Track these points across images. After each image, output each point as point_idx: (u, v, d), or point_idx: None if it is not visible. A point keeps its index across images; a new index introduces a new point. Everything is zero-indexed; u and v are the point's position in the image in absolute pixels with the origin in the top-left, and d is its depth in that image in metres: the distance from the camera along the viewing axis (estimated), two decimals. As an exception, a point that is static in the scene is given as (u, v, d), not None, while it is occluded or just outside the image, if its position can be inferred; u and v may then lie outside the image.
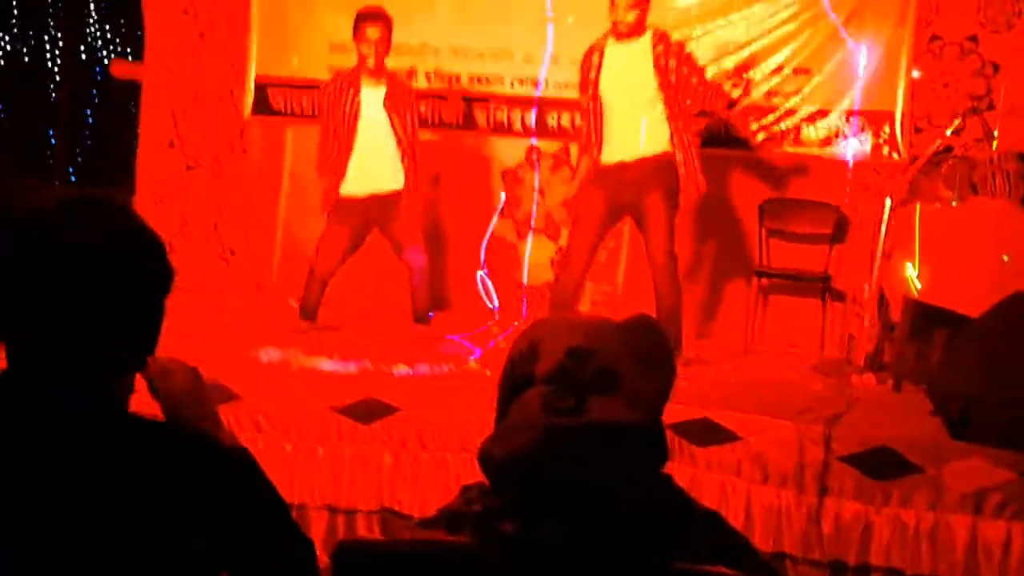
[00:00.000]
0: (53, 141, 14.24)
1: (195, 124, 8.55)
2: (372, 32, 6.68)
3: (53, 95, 14.19)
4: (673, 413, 2.15)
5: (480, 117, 8.09)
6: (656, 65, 6.40)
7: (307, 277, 6.97)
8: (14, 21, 13.70)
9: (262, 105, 8.37)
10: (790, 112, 7.63)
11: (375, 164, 6.80)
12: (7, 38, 13.74)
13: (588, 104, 6.57)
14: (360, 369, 5.97)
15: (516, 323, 7.22)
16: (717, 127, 7.54)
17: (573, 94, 7.14)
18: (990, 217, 6.18)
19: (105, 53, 13.84)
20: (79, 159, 14.37)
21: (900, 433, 5.24)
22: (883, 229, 6.48)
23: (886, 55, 7.47)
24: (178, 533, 1.78)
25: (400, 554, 1.92)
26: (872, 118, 7.51)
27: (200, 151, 8.56)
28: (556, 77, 7.83)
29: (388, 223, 6.90)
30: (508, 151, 8.04)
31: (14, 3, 13.44)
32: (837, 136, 7.57)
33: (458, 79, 8.10)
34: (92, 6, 13.91)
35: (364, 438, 5.37)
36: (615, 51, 6.50)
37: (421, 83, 7.98)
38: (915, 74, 7.41)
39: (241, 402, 5.40)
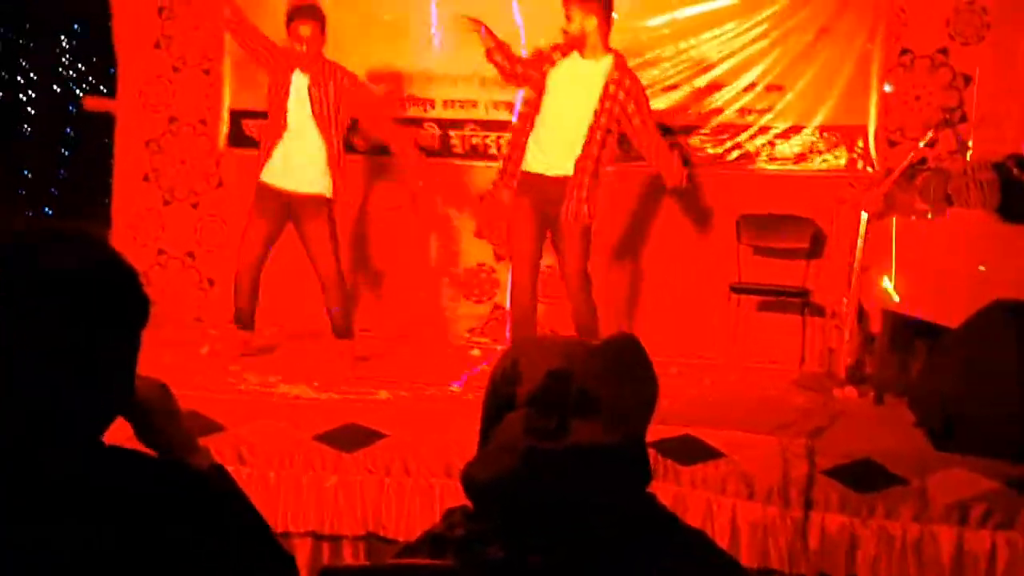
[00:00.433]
0: (27, 174, 14.21)
1: (170, 156, 8.55)
2: (304, 30, 6.62)
3: (27, 130, 14.17)
4: (656, 431, 2.16)
5: (456, 141, 8.10)
6: (605, 89, 6.38)
7: (235, 276, 6.90)
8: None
9: (237, 136, 8.37)
10: (764, 129, 7.67)
11: (300, 159, 6.71)
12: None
13: (527, 107, 6.59)
14: (341, 395, 5.95)
15: (498, 346, 7.22)
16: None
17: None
18: (966, 228, 6.21)
19: (78, 88, 13.84)
20: (53, 192, 14.35)
21: (883, 445, 5.24)
22: (860, 243, 6.51)
23: (857, 69, 7.52)
24: (158, 562, 1.76)
25: (383, 580, 1.91)
26: (845, 132, 7.55)
27: (176, 183, 8.56)
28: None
29: (302, 223, 6.78)
30: (484, 175, 8.05)
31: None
32: (811, 152, 7.61)
33: (432, 104, 8.12)
34: (64, 42, 13.91)
35: (348, 465, 5.35)
36: (574, 62, 6.49)
37: (396, 110, 8.02)
38: (887, 88, 7.46)
39: (224, 433, 5.37)
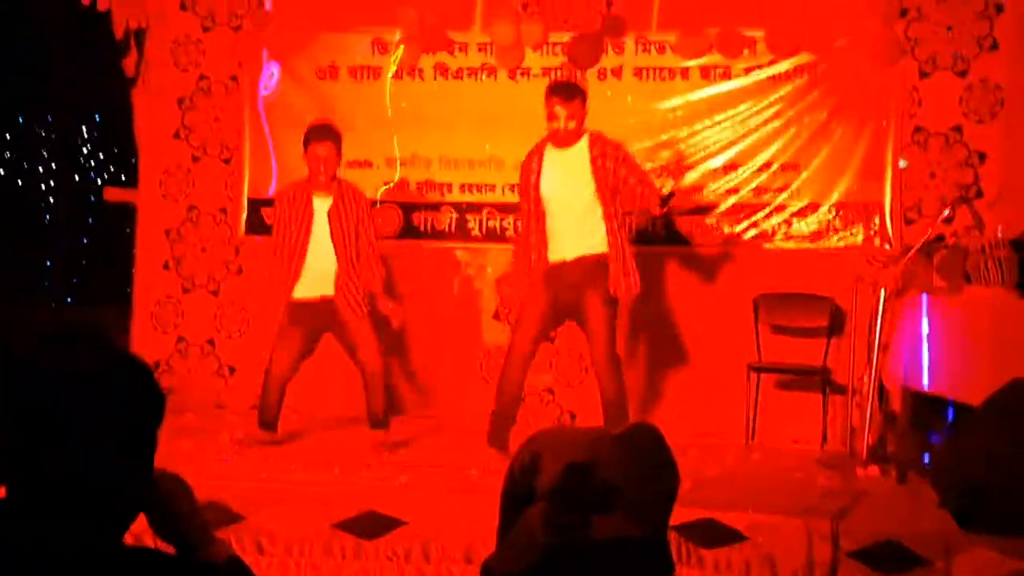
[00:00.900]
0: (48, 264, 14.29)
1: (190, 244, 8.62)
2: (320, 150, 6.78)
3: (48, 219, 14.28)
4: (678, 514, 2.14)
5: (473, 224, 8.14)
6: (593, 168, 6.45)
7: (263, 380, 6.99)
8: (7, 150, 13.82)
9: (256, 223, 8.43)
10: (780, 207, 7.69)
11: (325, 270, 6.83)
12: (0, 167, 13.86)
13: (529, 207, 6.62)
14: (361, 481, 5.93)
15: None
16: (647, 224, 7.61)
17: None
18: (985, 305, 6.19)
19: (99, 177, 13.97)
20: (75, 281, 14.41)
21: (907, 526, 5.20)
22: (879, 320, 6.49)
23: (872, 147, 7.56)
24: None
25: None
26: (862, 210, 7.57)
27: (196, 271, 8.61)
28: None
29: (339, 326, 6.90)
30: (501, 257, 8.07)
31: (7, 134, 13.58)
32: (828, 229, 7.62)
33: (449, 188, 8.18)
34: (85, 132, 14.06)
35: (368, 553, 5.32)
36: (554, 155, 6.56)
37: (413, 193, 8.11)
38: (902, 164, 7.48)
39: (243, 523, 5.35)
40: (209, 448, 6.55)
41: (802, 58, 7.68)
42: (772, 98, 7.74)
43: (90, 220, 14.07)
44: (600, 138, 6.56)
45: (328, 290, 6.83)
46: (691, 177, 7.83)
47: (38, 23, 11.73)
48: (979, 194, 7.29)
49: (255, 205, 8.46)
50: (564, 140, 6.51)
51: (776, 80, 7.73)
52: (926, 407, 6.22)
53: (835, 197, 7.63)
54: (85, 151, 14.27)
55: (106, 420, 1.85)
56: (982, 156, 7.40)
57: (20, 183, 14.14)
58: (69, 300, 14.28)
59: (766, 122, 7.74)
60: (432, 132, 8.21)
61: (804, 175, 7.68)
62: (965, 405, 5.71)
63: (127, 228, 9.20)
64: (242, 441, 6.87)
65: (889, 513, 5.49)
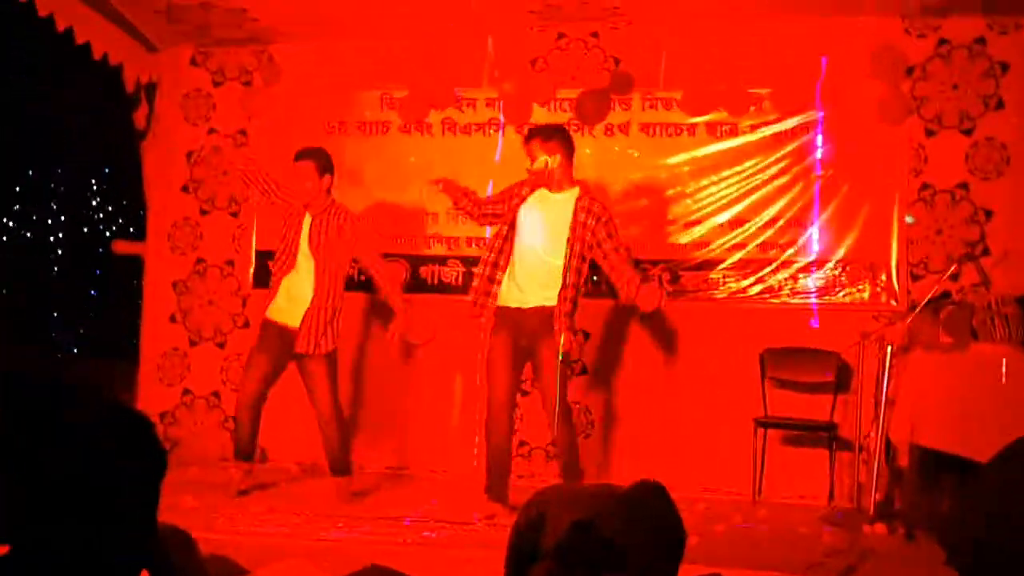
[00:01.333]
0: (56, 315, 14.33)
1: (197, 297, 8.64)
2: (299, 167, 6.92)
3: (56, 271, 14.34)
4: (684, 571, 2.12)
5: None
6: (574, 220, 6.46)
7: (236, 410, 7.04)
8: (17, 202, 13.90)
9: (263, 276, 8.44)
10: (787, 263, 7.70)
11: (298, 296, 6.88)
12: (9, 219, 13.92)
13: (502, 229, 6.64)
14: (364, 535, 5.91)
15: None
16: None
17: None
18: (992, 362, 6.18)
19: (107, 229, 14.02)
20: (81, 332, 14.44)
21: (915, 584, 5.16)
22: (885, 376, 6.48)
23: (878, 204, 7.58)
24: None
25: None
26: (868, 266, 7.58)
27: (202, 323, 8.63)
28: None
29: (301, 360, 6.92)
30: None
31: (17, 186, 13.66)
32: (834, 285, 7.63)
33: (456, 242, 8.21)
34: (94, 185, 14.13)
35: (372, 608, 5.28)
36: (543, 196, 6.60)
37: (421, 248, 8.15)
38: (908, 220, 7.50)
39: (247, 576, 5.32)
40: (213, 502, 6.52)
41: (808, 115, 7.72)
42: (778, 154, 7.77)
43: (98, 272, 14.12)
44: (589, 193, 6.58)
45: (295, 321, 6.85)
46: (697, 232, 7.86)
47: (49, 77, 11.82)
48: (985, 251, 7.30)
49: (262, 258, 8.49)
50: (549, 184, 6.53)
51: (782, 137, 7.77)
52: (934, 464, 6.20)
53: (841, 253, 7.65)
54: (94, 203, 14.34)
55: (109, 476, 1.85)
56: (988, 213, 7.42)
57: (29, 235, 14.20)
58: (76, 351, 14.31)
59: (773, 178, 7.77)
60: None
61: (811, 231, 7.70)
62: (972, 462, 5.69)
63: (135, 280, 9.24)
64: (237, 492, 6.90)
65: (896, 571, 5.46)
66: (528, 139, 6.63)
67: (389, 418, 8.23)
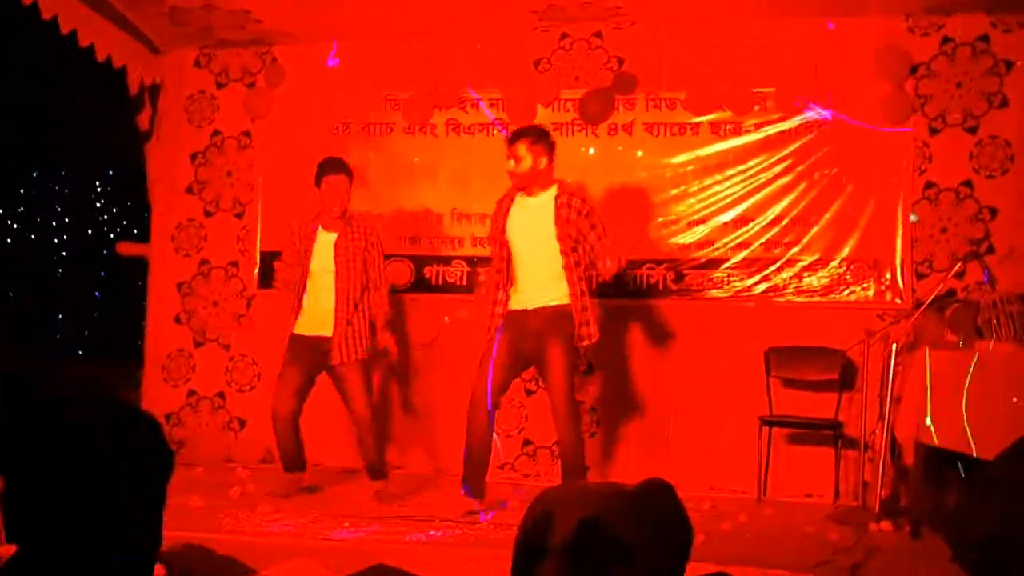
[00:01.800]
0: (60, 317, 14.34)
1: (202, 298, 8.66)
2: (333, 182, 6.92)
3: (60, 273, 14.35)
4: (691, 569, 2.12)
5: (484, 278, 8.16)
6: (556, 218, 6.45)
7: (272, 424, 7.01)
8: (22, 205, 13.92)
9: (268, 277, 8.47)
10: (791, 262, 7.70)
11: (326, 307, 6.91)
12: (14, 221, 13.94)
13: (498, 250, 6.65)
14: (371, 534, 5.91)
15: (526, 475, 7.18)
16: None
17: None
18: (997, 360, 6.17)
19: (111, 231, 14.03)
20: (86, 334, 14.45)
21: (921, 582, 5.16)
22: (890, 374, 6.47)
23: (883, 202, 7.57)
24: None
25: None
26: (873, 264, 7.57)
27: (207, 324, 8.65)
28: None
29: (333, 369, 6.96)
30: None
31: (21, 188, 13.68)
32: (839, 284, 7.63)
33: (461, 242, 8.21)
34: (98, 187, 14.14)
35: (378, 608, 5.28)
36: (523, 203, 6.59)
37: (426, 248, 8.16)
38: (913, 218, 7.50)
39: (254, 576, 5.33)
40: (219, 503, 6.52)
41: (812, 114, 7.72)
42: (782, 153, 7.77)
43: (102, 273, 14.13)
44: (567, 189, 6.58)
45: (326, 330, 6.90)
46: (702, 231, 7.87)
47: (52, 79, 11.84)
48: (990, 249, 7.30)
49: (267, 259, 8.50)
50: (528, 187, 6.54)
51: (786, 136, 7.77)
52: (939, 462, 6.20)
53: (846, 251, 7.64)
54: (98, 205, 14.36)
55: (109, 476, 1.85)
56: (993, 211, 7.41)
57: (33, 237, 14.21)
58: (80, 353, 14.32)
59: (777, 176, 7.77)
60: (444, 186, 8.27)
61: (815, 229, 7.70)
62: (978, 459, 5.69)
63: (139, 282, 9.25)
64: (275, 491, 6.90)
65: (902, 569, 5.45)
66: (513, 140, 6.58)
67: (418, 422, 8.25)
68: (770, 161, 7.79)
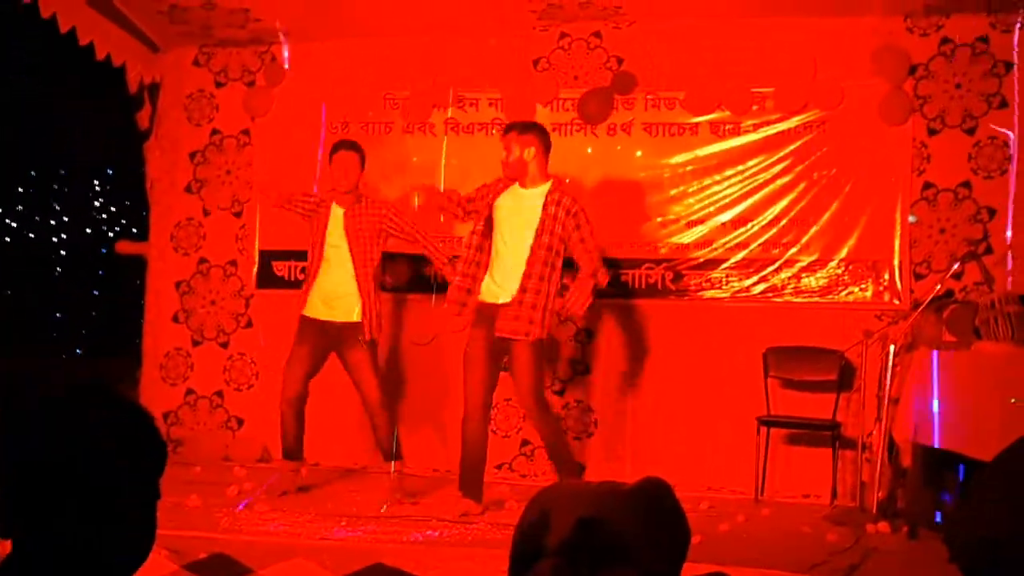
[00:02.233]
0: (59, 315, 14.33)
1: (200, 297, 8.66)
2: (342, 157, 7.04)
3: (59, 271, 14.34)
4: (688, 570, 2.11)
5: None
6: (545, 210, 6.46)
7: (279, 408, 7.03)
8: (20, 203, 13.91)
9: (267, 276, 8.48)
10: (790, 262, 7.70)
11: (334, 291, 6.98)
12: (13, 219, 13.93)
13: (477, 236, 6.66)
14: (368, 534, 5.91)
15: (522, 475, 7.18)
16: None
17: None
18: (995, 361, 6.18)
19: (110, 230, 14.02)
20: (84, 332, 14.45)
21: (919, 583, 5.16)
22: (888, 375, 6.48)
23: (881, 203, 7.57)
24: None
25: None
26: (871, 265, 7.57)
27: (205, 323, 8.64)
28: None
29: (344, 351, 7.01)
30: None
31: (20, 187, 13.67)
32: (837, 284, 7.63)
33: (460, 241, 8.20)
34: (97, 186, 14.14)
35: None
36: (515, 193, 6.61)
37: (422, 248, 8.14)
38: (911, 219, 7.50)
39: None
40: (217, 502, 6.52)
41: (811, 115, 7.72)
42: (781, 154, 7.77)
43: (101, 272, 14.12)
44: (560, 187, 6.60)
45: (332, 315, 6.96)
46: (700, 231, 7.87)
47: (52, 78, 11.83)
48: (988, 250, 7.30)
49: (266, 258, 8.51)
50: (522, 179, 6.56)
51: (785, 136, 7.77)
52: (937, 463, 6.20)
53: (844, 252, 7.64)
54: (97, 204, 14.35)
55: (110, 476, 1.86)
56: (991, 212, 7.41)
57: (32, 235, 14.20)
58: (79, 351, 14.31)
59: (775, 177, 7.77)
60: (443, 186, 8.26)
61: (813, 230, 7.70)
62: (976, 460, 5.69)
63: (137, 280, 9.25)
64: (281, 492, 6.91)
65: (899, 570, 5.46)
66: (505, 132, 6.69)
67: (427, 420, 8.25)
68: (769, 161, 7.79)
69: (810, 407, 7.49)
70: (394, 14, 8.00)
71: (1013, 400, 5.89)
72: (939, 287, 6.85)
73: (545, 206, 6.46)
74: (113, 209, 14.39)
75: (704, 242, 7.86)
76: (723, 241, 7.84)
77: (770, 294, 7.76)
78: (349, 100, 8.46)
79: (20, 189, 13.99)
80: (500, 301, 6.50)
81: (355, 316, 6.95)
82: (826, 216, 7.70)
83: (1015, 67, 7.42)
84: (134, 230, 12.37)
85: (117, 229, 14.08)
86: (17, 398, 1.90)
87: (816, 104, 7.70)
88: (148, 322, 8.85)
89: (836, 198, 7.67)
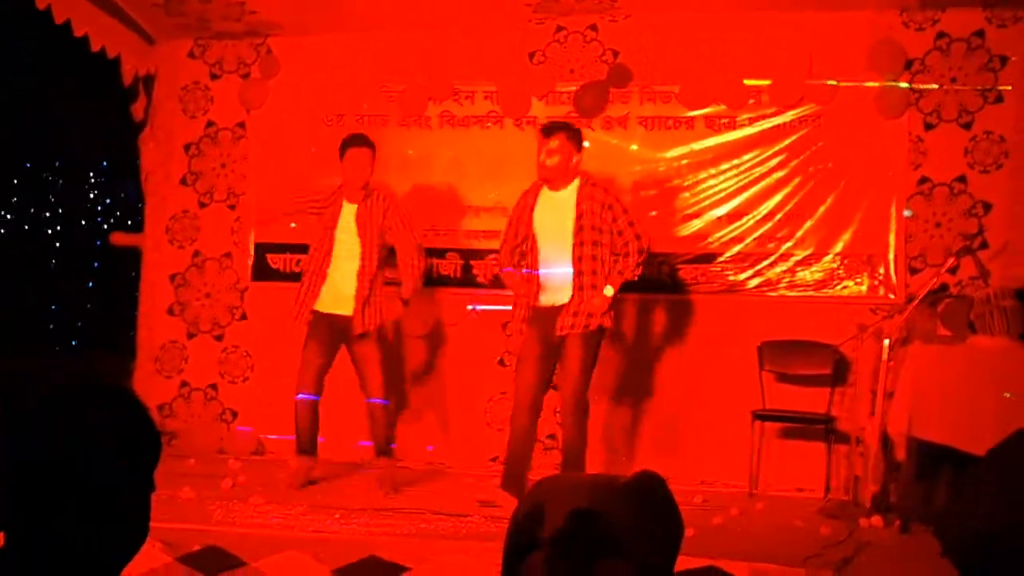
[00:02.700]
0: (54, 308, 14.32)
1: (195, 290, 8.65)
2: (356, 153, 6.98)
3: (54, 264, 14.33)
4: (681, 563, 2.12)
5: (478, 272, 8.17)
6: (578, 210, 6.47)
7: (295, 405, 7.02)
8: (14, 195, 13.89)
9: (262, 269, 8.48)
10: (785, 256, 7.70)
11: (343, 285, 6.96)
12: (7, 211, 13.91)
13: (519, 242, 6.66)
14: (362, 527, 5.91)
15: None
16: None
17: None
18: (989, 355, 6.18)
19: (105, 222, 14.00)
20: (79, 325, 14.44)
21: (911, 576, 5.16)
22: (883, 369, 6.48)
23: (877, 197, 7.57)
24: None
25: None
26: (866, 259, 7.58)
27: (200, 316, 8.64)
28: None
29: (351, 344, 7.01)
30: (507, 304, 8.10)
31: (14, 180, 13.65)
32: (832, 278, 7.63)
33: (455, 235, 8.21)
34: (92, 178, 14.12)
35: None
36: (549, 196, 6.60)
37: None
38: (907, 213, 7.50)
39: (245, 568, 5.32)
40: (211, 494, 6.51)
41: (807, 109, 7.72)
42: (776, 148, 7.77)
43: (96, 264, 14.11)
44: (590, 181, 6.59)
45: (343, 308, 6.95)
46: (696, 225, 7.87)
47: (47, 69, 11.82)
48: (984, 244, 7.30)
49: (261, 251, 8.50)
50: (554, 182, 6.54)
51: (781, 130, 7.77)
52: (930, 457, 6.20)
53: (839, 246, 7.64)
54: (92, 196, 14.34)
55: (110, 469, 1.85)
56: (987, 206, 7.42)
57: (26, 227, 14.19)
58: (74, 343, 14.30)
59: (771, 171, 7.77)
60: (438, 179, 8.26)
61: (809, 224, 7.70)
62: (969, 455, 5.69)
63: (132, 273, 9.24)
64: (291, 483, 6.91)
65: (892, 564, 5.46)
66: (549, 133, 6.57)
67: (423, 413, 8.26)
68: (764, 155, 7.79)
69: (804, 401, 7.50)
70: (390, 7, 8.00)
71: (1007, 394, 5.90)
72: (934, 281, 6.85)
73: (579, 203, 6.48)
74: (108, 201, 14.38)
75: (699, 236, 7.86)
76: (718, 235, 7.84)
77: (765, 288, 7.77)
78: (345, 93, 8.46)
79: (15, 181, 13.97)
80: (556, 303, 6.51)
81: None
82: (821, 210, 7.70)
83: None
84: (129, 222, 12.35)
85: (112, 221, 14.06)
86: (17, 397, 1.90)
87: (812, 98, 7.71)
88: (143, 314, 8.84)
89: (832, 192, 7.68)
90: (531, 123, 8.06)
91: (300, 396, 7.00)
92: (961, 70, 7.49)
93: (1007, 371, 6.03)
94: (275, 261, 8.46)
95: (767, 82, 7.77)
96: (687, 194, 7.91)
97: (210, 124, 8.72)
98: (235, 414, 8.50)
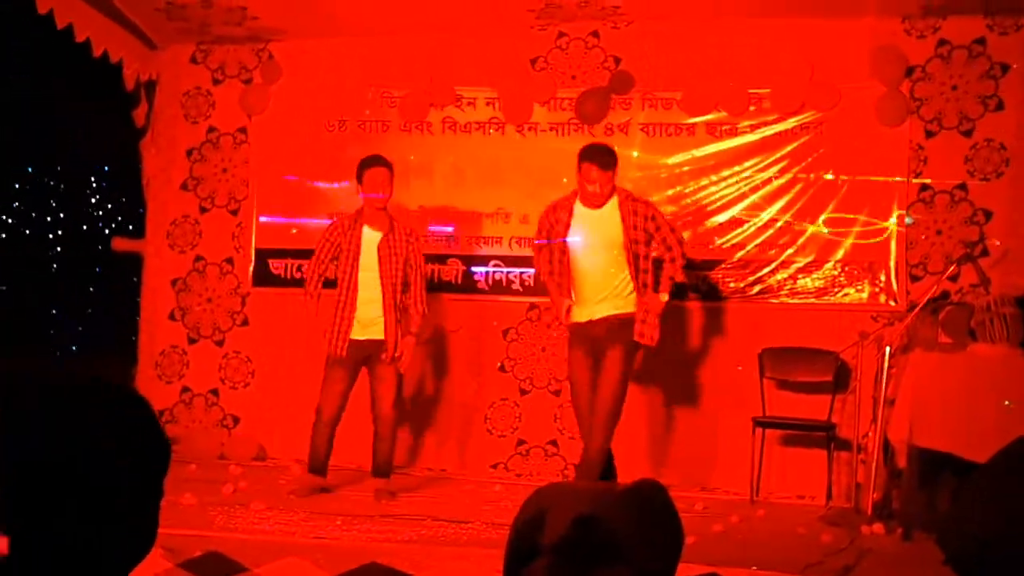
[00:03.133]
0: (54, 312, 14.31)
1: (196, 295, 8.65)
2: (376, 174, 6.95)
3: (55, 268, 14.32)
4: (682, 570, 2.11)
5: (479, 277, 8.17)
6: (624, 225, 6.53)
7: (314, 423, 7.01)
8: (16, 200, 13.88)
9: (263, 275, 8.47)
10: (786, 263, 7.70)
11: (371, 310, 6.95)
12: (9, 216, 13.90)
13: (554, 254, 6.68)
14: (363, 534, 5.90)
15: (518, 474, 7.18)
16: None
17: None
18: (990, 362, 6.18)
19: (106, 227, 13.99)
20: (80, 329, 14.43)
21: (913, 584, 5.15)
22: (884, 376, 6.48)
23: (878, 204, 7.57)
24: None
25: None
26: (867, 266, 7.57)
27: (201, 321, 8.64)
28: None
29: (374, 365, 7.01)
30: (507, 310, 8.11)
31: (16, 184, 13.64)
32: (833, 286, 7.63)
33: (456, 240, 8.21)
34: (93, 182, 14.12)
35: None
36: (585, 214, 6.63)
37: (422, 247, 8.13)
38: (908, 221, 7.50)
39: (247, 574, 5.32)
40: (212, 500, 6.51)
41: (808, 116, 7.72)
42: (778, 155, 7.77)
43: (97, 269, 14.10)
44: (630, 196, 6.65)
45: (372, 333, 6.95)
46: (696, 232, 7.86)
47: (48, 74, 11.82)
48: (984, 252, 7.30)
49: (262, 256, 8.50)
50: (595, 201, 6.56)
51: (782, 137, 7.77)
52: (932, 464, 6.20)
53: (840, 254, 7.64)
54: (93, 201, 14.34)
55: (110, 470, 1.85)
56: (988, 214, 7.42)
57: (28, 232, 14.18)
58: (75, 348, 14.30)
59: (772, 178, 7.77)
60: (439, 185, 8.26)
61: (810, 231, 7.70)
62: (971, 462, 5.69)
63: (134, 278, 9.24)
64: (296, 491, 6.90)
65: (894, 571, 5.46)
66: (605, 167, 6.54)
67: (426, 418, 8.27)
68: (766, 162, 7.79)
69: (806, 408, 7.49)
70: (392, 13, 8.00)
71: (1007, 403, 5.90)
72: (935, 289, 6.85)
73: (623, 218, 6.54)
74: (109, 206, 14.38)
75: (700, 243, 7.85)
76: (719, 242, 7.84)
77: (766, 295, 7.76)
78: (346, 98, 8.46)
79: (16, 186, 13.97)
80: (595, 318, 6.59)
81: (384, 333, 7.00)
82: (823, 217, 7.69)
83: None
84: (130, 227, 12.33)
85: (113, 226, 14.06)
86: (17, 397, 1.89)
87: (813, 105, 7.71)
88: (144, 319, 8.84)
89: (833, 199, 7.67)
90: (533, 129, 8.07)
91: (321, 420, 6.99)
92: (962, 78, 7.49)
93: (1007, 379, 6.03)
94: (276, 266, 8.46)
95: (768, 89, 7.77)
96: (688, 201, 7.91)
97: (212, 129, 8.72)
98: (236, 419, 8.49)
